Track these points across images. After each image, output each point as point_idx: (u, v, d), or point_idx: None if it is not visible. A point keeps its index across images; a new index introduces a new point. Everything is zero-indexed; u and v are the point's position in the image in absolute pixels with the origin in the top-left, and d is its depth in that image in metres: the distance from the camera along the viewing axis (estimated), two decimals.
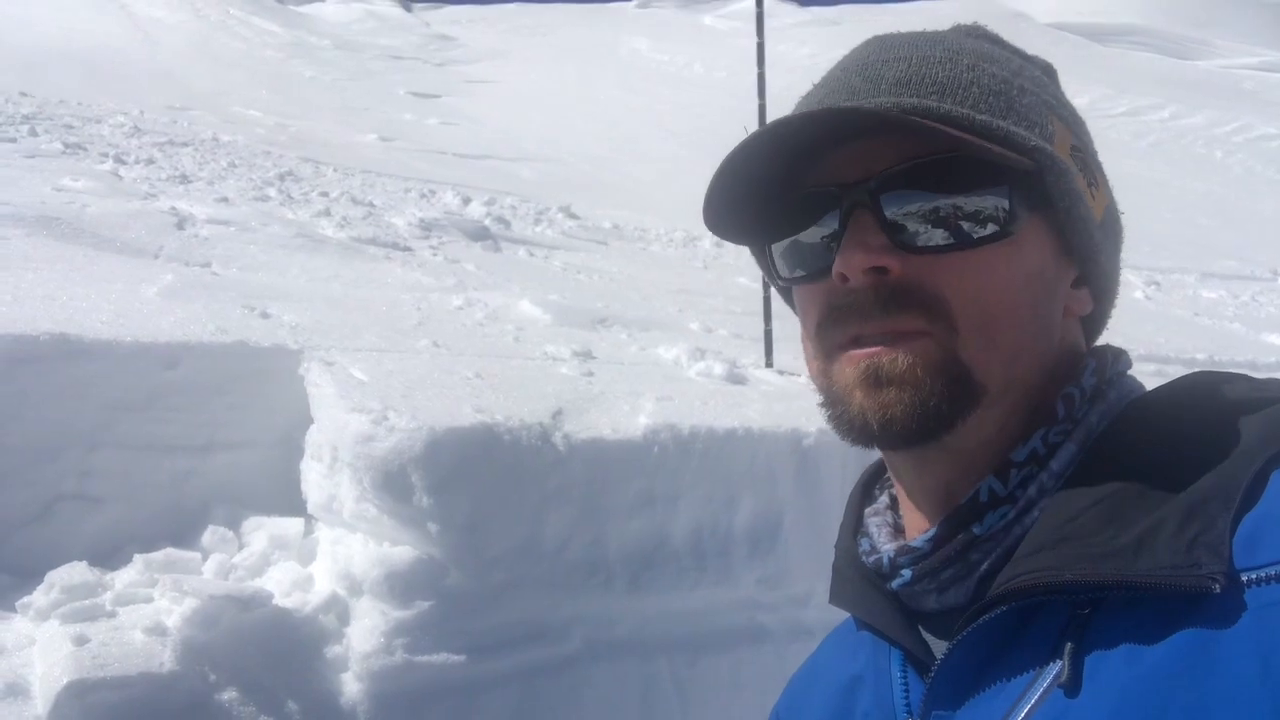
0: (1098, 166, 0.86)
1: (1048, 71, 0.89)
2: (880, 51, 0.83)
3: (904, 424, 0.75)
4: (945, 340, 0.75)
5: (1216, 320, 9.30)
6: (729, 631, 2.95)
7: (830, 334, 0.80)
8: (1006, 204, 0.76)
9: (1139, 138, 22.36)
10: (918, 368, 0.75)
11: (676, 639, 2.86)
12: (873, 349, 0.77)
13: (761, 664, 2.92)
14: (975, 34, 0.89)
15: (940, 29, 0.90)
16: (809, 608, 3.05)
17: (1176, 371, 6.66)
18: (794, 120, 0.77)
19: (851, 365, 0.78)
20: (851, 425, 0.79)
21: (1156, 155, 20.79)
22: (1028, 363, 0.78)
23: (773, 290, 0.94)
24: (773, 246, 0.86)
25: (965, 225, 0.76)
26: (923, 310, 0.75)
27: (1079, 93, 24.53)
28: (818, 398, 0.85)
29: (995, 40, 0.89)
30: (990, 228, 0.76)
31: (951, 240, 0.76)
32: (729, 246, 8.94)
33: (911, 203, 0.76)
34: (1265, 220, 16.17)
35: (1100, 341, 0.91)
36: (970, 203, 0.76)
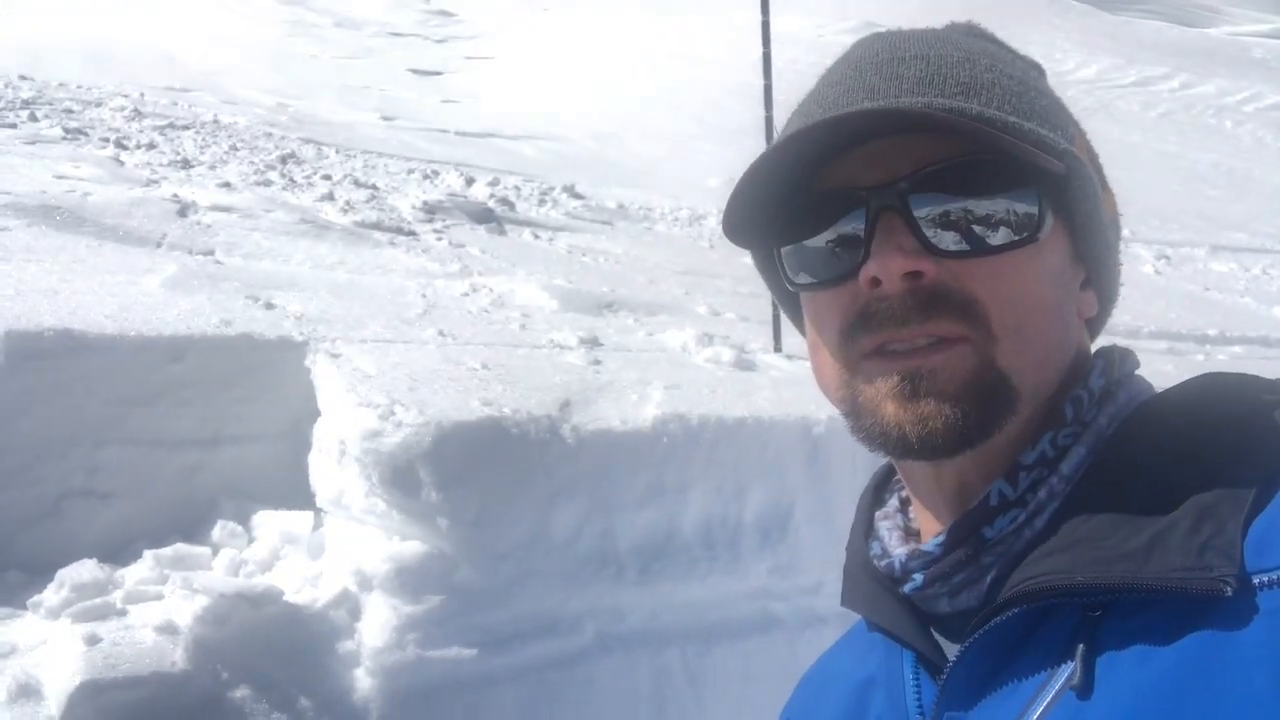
0: (1100, 166, 0.86)
1: (1039, 71, 0.88)
2: (891, 50, 0.81)
3: (945, 436, 0.74)
4: (983, 346, 0.74)
5: (1227, 295, 9.23)
6: (741, 621, 2.95)
7: (858, 341, 0.77)
8: (1036, 207, 0.75)
9: (1148, 108, 22.10)
10: (957, 378, 0.74)
11: (688, 630, 2.86)
12: (908, 358, 0.74)
13: (773, 653, 2.92)
14: (974, 33, 0.87)
15: (936, 28, 0.88)
16: (821, 596, 3.04)
17: (1188, 349, 6.61)
18: (843, 119, 0.74)
19: (883, 376, 0.76)
20: (886, 438, 0.76)
21: (1166, 126, 20.55)
22: (1053, 367, 0.78)
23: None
24: (782, 250, 0.83)
25: (996, 228, 0.74)
26: (961, 315, 0.74)
27: (1087, 63, 24.28)
28: (839, 408, 0.82)
29: (993, 39, 0.87)
30: (1022, 230, 0.75)
31: (983, 243, 0.74)
32: None
33: (941, 205, 0.74)
34: (1276, 191, 15.99)
35: (1113, 319, 0.91)
36: (1001, 206, 0.74)
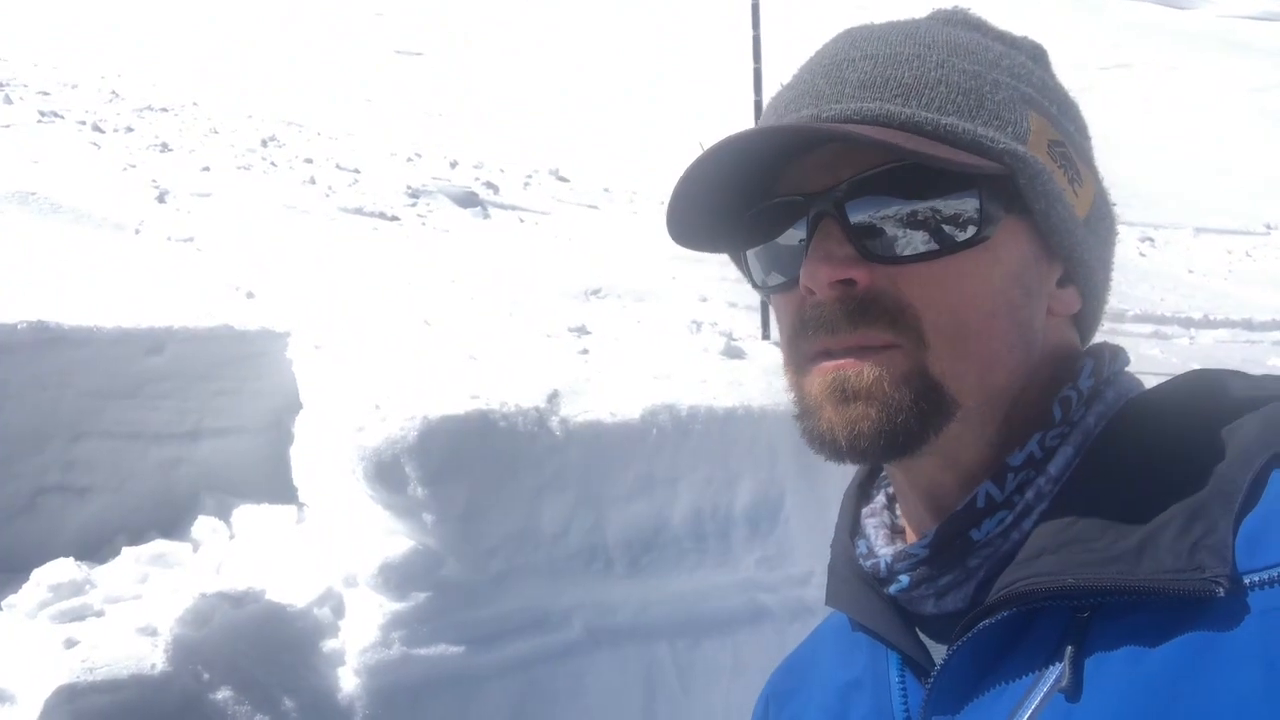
0: (1084, 158, 0.83)
1: (1035, 56, 0.85)
2: (848, 49, 0.80)
3: (871, 440, 0.73)
4: (914, 352, 0.73)
5: (1210, 277, 9.28)
6: (730, 613, 2.93)
7: (799, 346, 0.78)
8: (977, 208, 0.74)
9: (1132, 90, 22.14)
10: (884, 381, 0.73)
11: (678, 622, 2.84)
12: (839, 361, 0.75)
13: (763, 645, 2.90)
14: (954, 20, 0.85)
15: (915, 19, 0.85)
16: (810, 587, 3.03)
17: (1174, 332, 6.62)
18: (747, 137, 0.75)
19: (820, 377, 0.76)
20: (821, 440, 0.76)
21: (1151, 108, 20.60)
22: (1006, 370, 0.76)
23: None
24: (747, 253, 0.84)
25: (935, 232, 0.73)
26: (889, 322, 0.73)
27: (1070, 44, 24.25)
28: (794, 409, 0.82)
29: (976, 26, 0.85)
30: (962, 233, 0.73)
31: (921, 248, 0.73)
32: None
33: (878, 211, 0.74)
34: (1258, 174, 16.07)
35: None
36: (939, 209, 0.73)
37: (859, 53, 0.79)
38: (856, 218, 0.74)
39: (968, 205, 0.73)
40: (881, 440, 0.73)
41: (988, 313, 0.74)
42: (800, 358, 0.78)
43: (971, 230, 0.73)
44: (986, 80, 0.78)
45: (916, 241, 0.73)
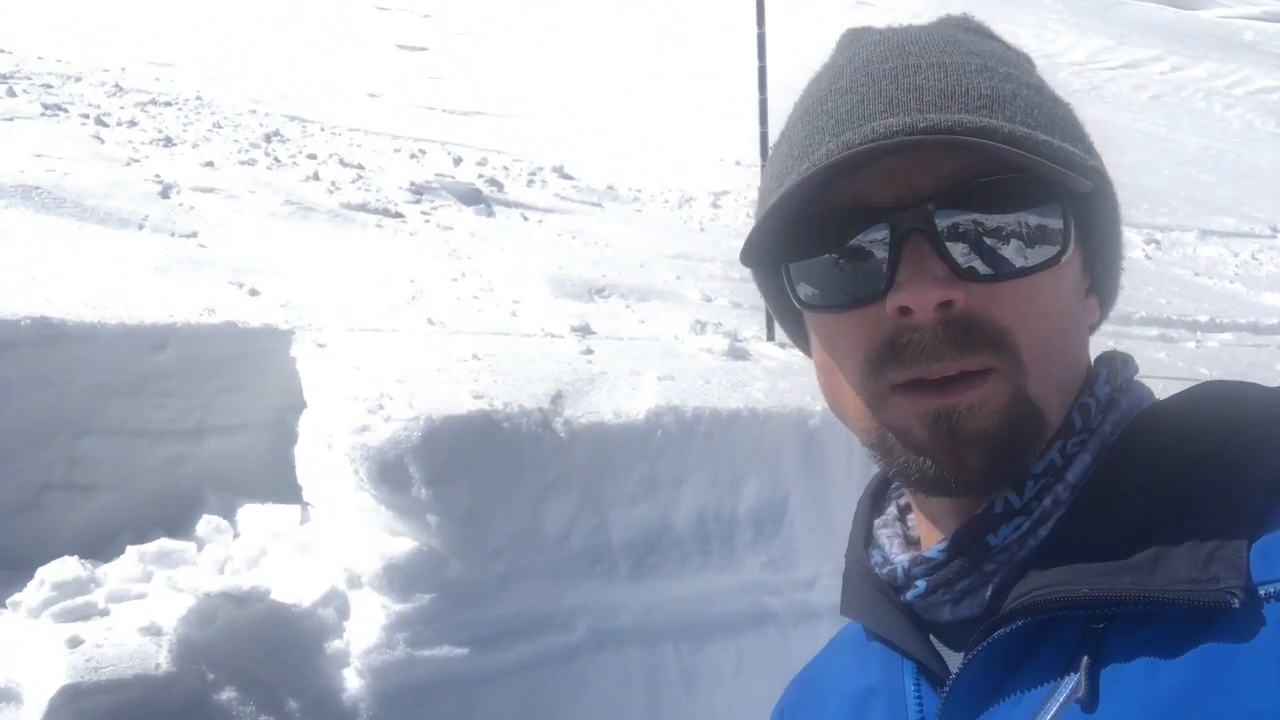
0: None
1: (1030, 63, 0.85)
2: (901, 54, 0.77)
3: (983, 475, 0.72)
4: (1013, 376, 0.71)
5: (1216, 280, 9.25)
6: (734, 616, 2.92)
7: (886, 372, 0.73)
8: (1061, 225, 0.73)
9: (1138, 90, 22.07)
10: (993, 415, 0.71)
11: (681, 625, 2.83)
12: (943, 396, 0.71)
13: (767, 648, 2.89)
14: (971, 28, 0.83)
15: (924, 23, 0.83)
16: (815, 590, 3.02)
17: (1180, 336, 6.57)
18: (875, 149, 0.70)
19: (916, 410, 0.72)
20: (923, 477, 0.74)
21: (1155, 108, 20.54)
22: (1072, 384, 0.76)
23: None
24: (790, 267, 0.79)
25: (1024, 250, 0.72)
26: (993, 347, 0.71)
27: (1077, 45, 24.19)
28: (862, 439, 0.79)
29: (990, 34, 0.84)
30: (1049, 250, 0.72)
31: (1013, 266, 0.72)
32: (725, 207, 8.80)
33: (970, 228, 0.71)
34: (1264, 175, 16.00)
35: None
36: (1030, 226, 0.72)
37: (921, 60, 0.76)
38: (950, 235, 0.71)
39: (1055, 222, 0.72)
40: (993, 474, 0.72)
41: (1063, 330, 0.74)
42: (884, 385, 0.73)
43: (1057, 247, 0.72)
44: (1046, 96, 0.78)
45: (1007, 260, 0.71)
